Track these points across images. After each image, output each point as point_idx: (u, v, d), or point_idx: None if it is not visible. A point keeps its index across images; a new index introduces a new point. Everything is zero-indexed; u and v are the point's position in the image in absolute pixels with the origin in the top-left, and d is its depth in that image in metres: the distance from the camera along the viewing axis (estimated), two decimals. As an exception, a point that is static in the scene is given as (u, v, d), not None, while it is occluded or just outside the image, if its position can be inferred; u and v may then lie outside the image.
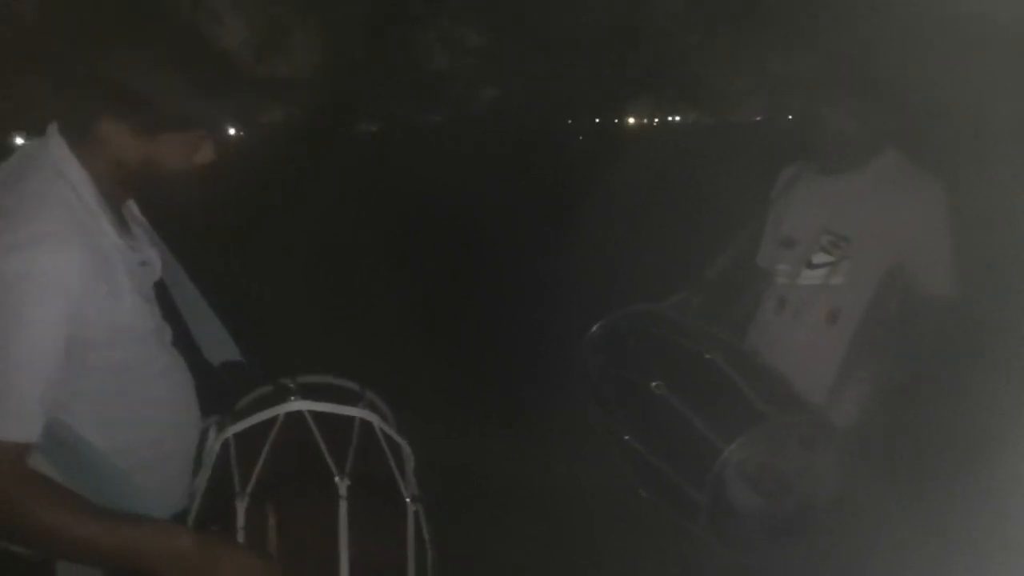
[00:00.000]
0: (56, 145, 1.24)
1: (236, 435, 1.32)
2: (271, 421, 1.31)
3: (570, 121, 15.71)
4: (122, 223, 1.33)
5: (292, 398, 1.34)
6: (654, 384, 1.84)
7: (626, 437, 1.95)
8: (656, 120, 21.35)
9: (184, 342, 1.47)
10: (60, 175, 1.22)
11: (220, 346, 1.53)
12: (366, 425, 1.35)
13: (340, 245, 6.74)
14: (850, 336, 1.94)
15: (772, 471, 1.56)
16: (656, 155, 10.93)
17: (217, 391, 1.49)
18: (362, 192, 8.73)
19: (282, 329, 3.81)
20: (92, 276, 1.17)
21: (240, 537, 1.17)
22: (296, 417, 1.31)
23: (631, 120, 22.10)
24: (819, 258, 2.03)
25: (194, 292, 1.53)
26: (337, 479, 1.21)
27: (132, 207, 1.41)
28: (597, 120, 18.44)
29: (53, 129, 1.26)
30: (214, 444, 1.33)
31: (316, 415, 1.32)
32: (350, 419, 1.34)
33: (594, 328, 2.12)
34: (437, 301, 5.28)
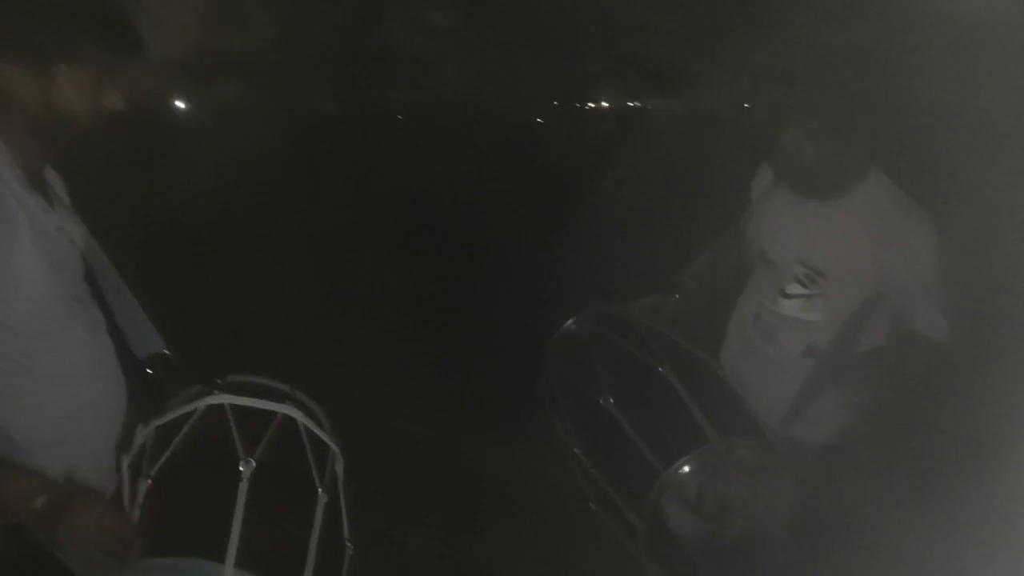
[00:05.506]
0: None
1: (159, 427, 1.36)
2: (191, 413, 1.37)
3: (540, 105, 15.56)
4: (42, 188, 1.34)
5: (216, 392, 1.40)
6: (603, 400, 1.81)
7: (576, 450, 1.93)
8: (629, 104, 21.18)
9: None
10: None
11: (145, 338, 1.53)
12: (288, 421, 1.39)
13: (298, 233, 6.54)
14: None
15: (713, 495, 1.52)
16: (635, 143, 10.78)
17: (146, 384, 1.52)
18: (322, 175, 8.53)
19: (230, 325, 3.71)
20: None
21: (135, 514, 1.21)
22: (217, 410, 1.37)
23: (604, 104, 21.93)
24: (793, 289, 1.89)
25: (118, 281, 1.51)
26: (242, 464, 1.26)
27: (56, 185, 1.42)
28: (578, 104, 18.21)
29: None
30: (139, 437, 1.36)
31: (237, 409, 1.37)
32: (272, 414, 1.39)
33: (561, 328, 2.07)
34: (401, 293, 5.16)
